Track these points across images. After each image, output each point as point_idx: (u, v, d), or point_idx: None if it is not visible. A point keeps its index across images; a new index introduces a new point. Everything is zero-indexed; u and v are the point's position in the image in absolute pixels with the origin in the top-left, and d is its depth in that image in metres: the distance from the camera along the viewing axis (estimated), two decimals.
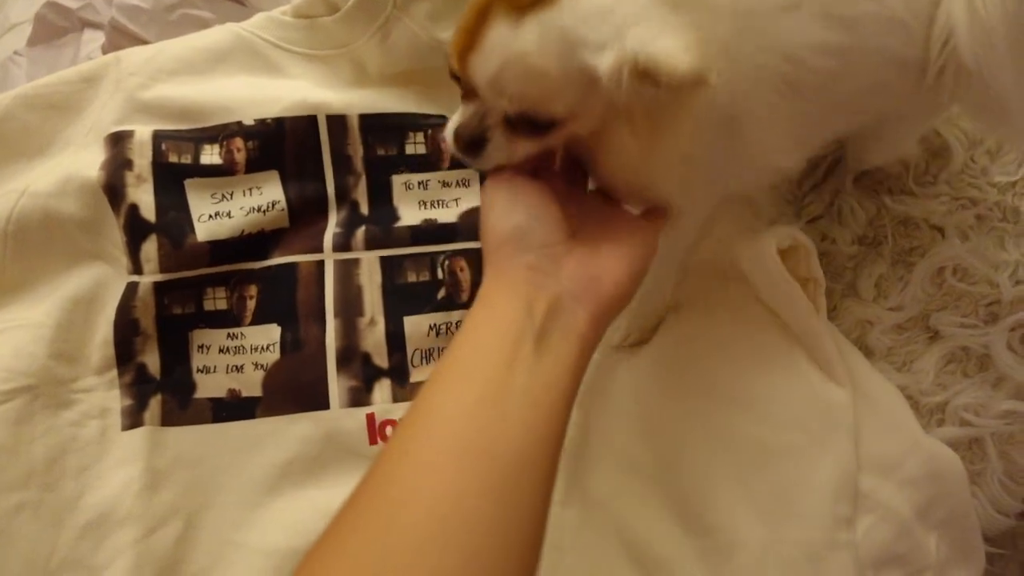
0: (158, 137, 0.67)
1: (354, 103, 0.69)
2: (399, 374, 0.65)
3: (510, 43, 0.41)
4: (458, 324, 0.66)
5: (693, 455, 0.61)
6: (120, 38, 0.75)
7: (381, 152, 0.70)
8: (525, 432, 0.39)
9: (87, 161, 0.66)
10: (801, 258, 0.63)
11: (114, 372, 0.64)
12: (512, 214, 0.46)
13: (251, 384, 0.65)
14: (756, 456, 0.59)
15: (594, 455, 0.63)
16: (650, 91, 0.39)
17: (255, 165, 0.68)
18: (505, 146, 0.46)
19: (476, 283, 0.67)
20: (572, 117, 0.44)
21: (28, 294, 0.65)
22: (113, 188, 0.65)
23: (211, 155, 0.67)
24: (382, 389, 0.65)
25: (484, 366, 0.41)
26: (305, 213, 0.68)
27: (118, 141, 0.66)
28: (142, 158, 0.66)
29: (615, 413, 0.64)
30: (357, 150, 0.70)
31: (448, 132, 0.48)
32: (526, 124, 0.45)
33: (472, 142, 0.46)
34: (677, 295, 0.67)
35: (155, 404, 0.64)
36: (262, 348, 0.66)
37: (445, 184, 0.70)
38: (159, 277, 0.64)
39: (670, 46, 0.38)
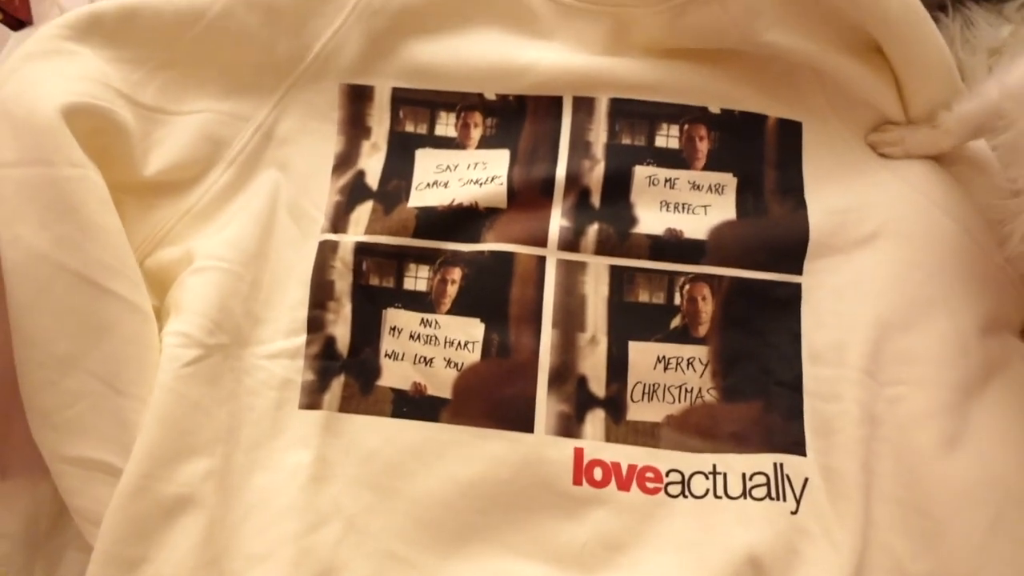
0: (397, 100, 0.62)
1: (610, 72, 0.60)
2: (615, 407, 0.56)
3: None
4: (690, 361, 0.56)
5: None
6: None
7: (627, 141, 0.60)
8: None
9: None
10: None
11: (303, 339, 0.57)
12: None
13: (439, 383, 0.57)
14: None
15: None
16: None
17: (488, 143, 0.61)
18: None
19: (718, 316, 0.57)
20: None
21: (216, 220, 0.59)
22: (347, 157, 0.62)
23: (446, 125, 0.62)
24: (595, 422, 0.56)
25: None
26: (527, 194, 0.59)
27: (357, 99, 0.62)
28: (380, 126, 0.62)
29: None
30: (600, 136, 0.60)
31: None
32: None
33: None
34: None
35: (336, 386, 0.57)
36: (459, 344, 0.57)
37: (695, 187, 0.60)
38: (362, 237, 0.58)
39: None
